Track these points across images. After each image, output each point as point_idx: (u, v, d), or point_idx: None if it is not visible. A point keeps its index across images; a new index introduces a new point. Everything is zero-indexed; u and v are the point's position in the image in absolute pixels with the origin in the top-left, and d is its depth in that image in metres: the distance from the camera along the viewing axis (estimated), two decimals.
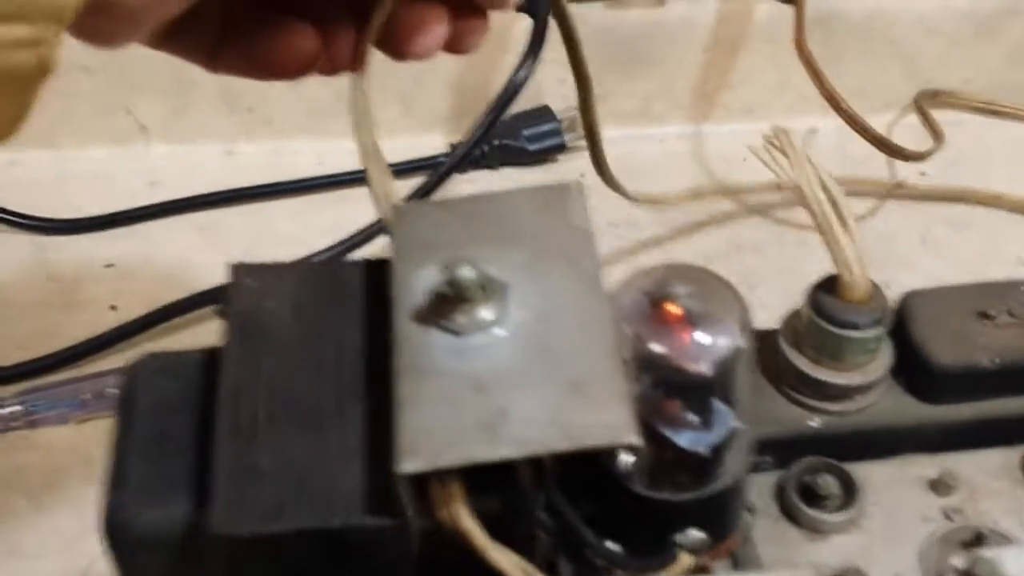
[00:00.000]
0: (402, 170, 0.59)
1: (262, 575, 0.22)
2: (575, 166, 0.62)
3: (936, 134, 0.59)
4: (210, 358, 0.25)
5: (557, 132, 0.60)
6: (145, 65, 0.58)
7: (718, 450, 0.25)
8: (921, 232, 0.58)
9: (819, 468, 0.35)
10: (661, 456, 0.25)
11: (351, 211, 0.57)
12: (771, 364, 0.37)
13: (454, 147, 0.59)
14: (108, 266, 0.55)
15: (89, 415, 0.48)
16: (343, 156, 0.60)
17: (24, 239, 0.56)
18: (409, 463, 0.20)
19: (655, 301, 0.24)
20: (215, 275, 0.53)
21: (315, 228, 0.57)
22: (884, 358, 0.37)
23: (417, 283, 0.23)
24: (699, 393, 0.24)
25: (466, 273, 0.21)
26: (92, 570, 0.43)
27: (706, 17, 0.61)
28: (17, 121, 0.19)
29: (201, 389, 0.24)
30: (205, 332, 0.52)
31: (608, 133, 0.62)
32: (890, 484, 0.36)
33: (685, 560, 0.25)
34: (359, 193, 0.60)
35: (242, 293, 0.25)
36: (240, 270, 0.25)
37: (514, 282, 0.23)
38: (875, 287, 0.36)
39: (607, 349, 0.22)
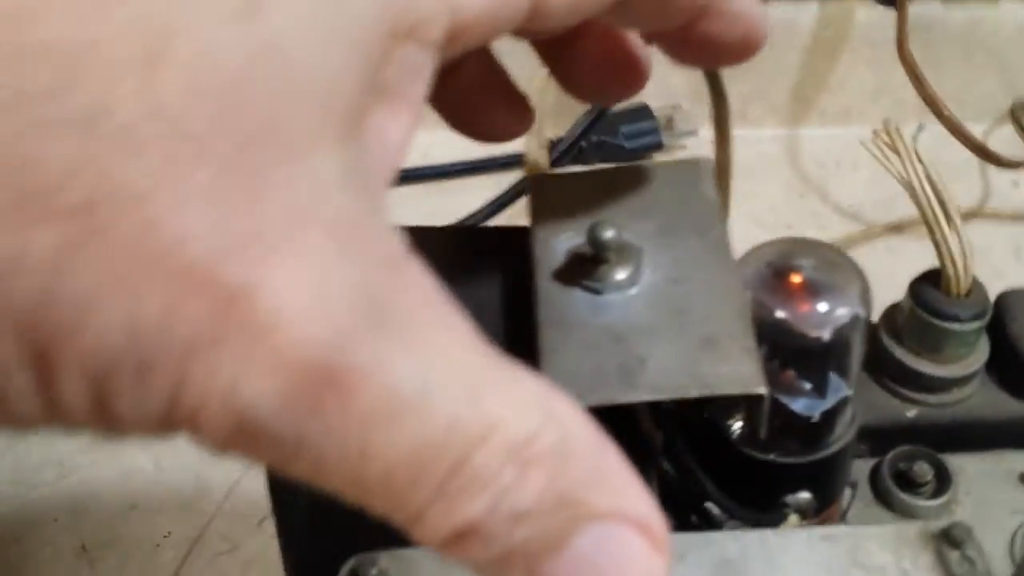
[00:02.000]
0: (503, 164, 0.61)
1: None
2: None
3: None
4: None
5: (655, 130, 0.62)
6: None
7: (829, 416, 0.27)
8: (1015, 243, 0.59)
9: (915, 456, 0.36)
10: (777, 420, 0.26)
11: (449, 202, 0.59)
12: (870, 355, 0.38)
13: (552, 142, 0.61)
14: None
15: None
16: (444, 149, 0.63)
17: None
18: None
19: (779, 270, 0.25)
20: None
21: (415, 218, 0.59)
22: (981, 353, 0.38)
23: (557, 245, 0.25)
24: (816, 361, 0.26)
25: (607, 234, 0.23)
26: (209, 529, 0.46)
27: (807, 20, 0.62)
28: None
29: None
30: None
31: (704, 133, 0.64)
32: (982, 476, 0.37)
33: (793, 521, 0.27)
34: (458, 185, 0.63)
35: None
36: None
37: (647, 247, 0.25)
38: (976, 282, 0.37)
39: (736, 310, 0.23)
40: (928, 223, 0.36)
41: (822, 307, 0.25)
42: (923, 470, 0.36)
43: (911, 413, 0.38)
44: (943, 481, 0.36)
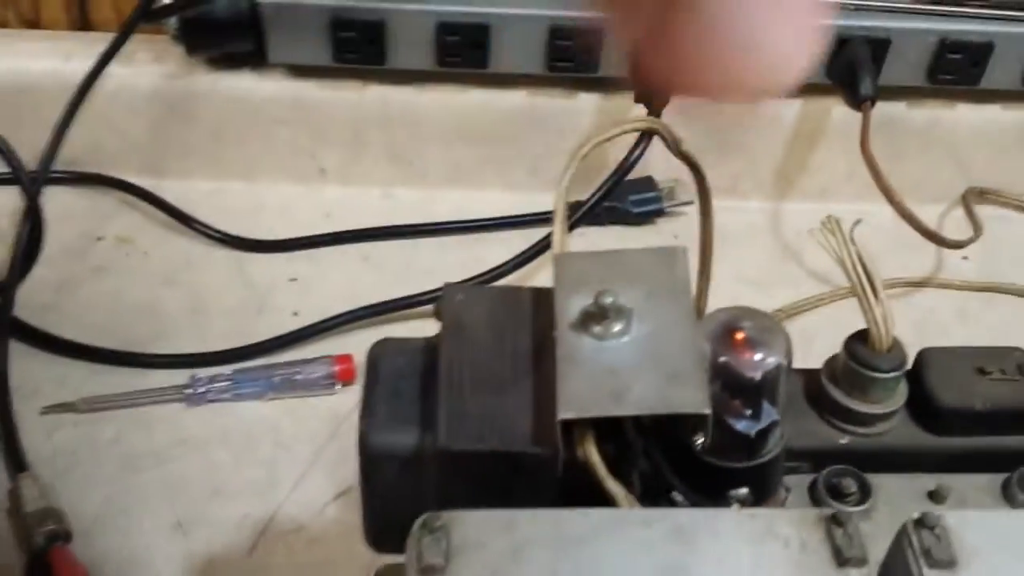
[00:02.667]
0: (528, 221, 0.72)
1: (463, 482, 0.34)
2: (670, 228, 0.74)
3: (976, 226, 0.70)
4: (428, 345, 0.37)
5: (658, 199, 0.73)
6: (327, 120, 0.72)
7: (763, 434, 0.37)
8: (959, 307, 0.69)
9: (844, 473, 0.47)
10: (724, 436, 0.37)
11: (483, 252, 0.70)
12: (814, 394, 0.49)
13: (572, 207, 0.72)
14: (292, 280, 0.68)
15: (278, 395, 0.61)
16: (480, 205, 0.74)
17: (225, 254, 0.70)
18: (565, 412, 0.32)
19: (728, 329, 0.36)
20: (374, 293, 0.66)
21: (453, 264, 0.70)
22: (900, 395, 0.48)
23: (573, 304, 0.35)
24: (753, 394, 0.36)
25: (608, 299, 0.34)
26: (278, 515, 0.56)
27: (791, 113, 0.73)
28: None
29: (422, 363, 0.37)
30: (367, 337, 0.65)
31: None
32: (897, 492, 0.47)
33: (735, 507, 0.37)
34: (491, 237, 0.74)
35: (453, 303, 0.38)
36: (451, 287, 0.38)
37: (637, 308, 0.35)
38: (896, 341, 0.48)
39: (695, 357, 0.34)
40: (857, 295, 0.46)
41: (756, 357, 0.36)
42: (848, 484, 0.46)
43: (843, 440, 0.48)
44: (865, 493, 0.46)
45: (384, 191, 0.74)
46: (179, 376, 0.61)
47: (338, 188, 0.74)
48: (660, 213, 0.73)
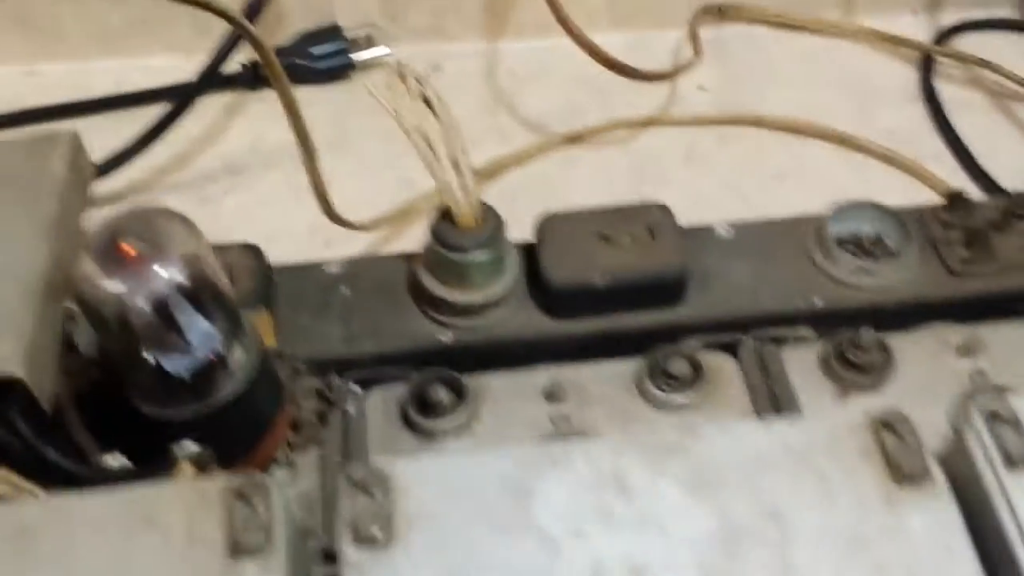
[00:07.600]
0: (200, 87, 0.61)
1: None
2: (367, 83, 0.64)
3: (696, 49, 0.61)
4: None
5: (345, 51, 0.62)
6: None
7: (204, 373, 0.28)
8: (687, 148, 0.60)
9: (432, 380, 0.38)
10: (153, 378, 0.28)
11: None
12: (414, 286, 0.40)
13: (244, 66, 0.61)
14: None
15: None
16: (142, 74, 0.63)
17: None
18: None
19: (111, 240, 0.26)
20: None
21: (118, 146, 0.59)
22: (509, 277, 0.40)
23: None
24: (165, 320, 0.27)
25: None
26: None
27: None
28: None
29: None
30: None
31: (405, 51, 0.64)
32: (506, 393, 0.39)
33: (186, 468, 0.28)
34: (160, 110, 0.63)
35: None
36: None
37: None
38: (487, 213, 0.39)
39: (25, 292, 0.25)
40: (425, 162, 0.37)
41: (148, 272, 0.26)
42: (437, 393, 0.38)
43: (446, 337, 0.40)
44: (461, 400, 0.38)
45: (25, 68, 0.63)
46: None
47: None
48: (350, 67, 0.63)
